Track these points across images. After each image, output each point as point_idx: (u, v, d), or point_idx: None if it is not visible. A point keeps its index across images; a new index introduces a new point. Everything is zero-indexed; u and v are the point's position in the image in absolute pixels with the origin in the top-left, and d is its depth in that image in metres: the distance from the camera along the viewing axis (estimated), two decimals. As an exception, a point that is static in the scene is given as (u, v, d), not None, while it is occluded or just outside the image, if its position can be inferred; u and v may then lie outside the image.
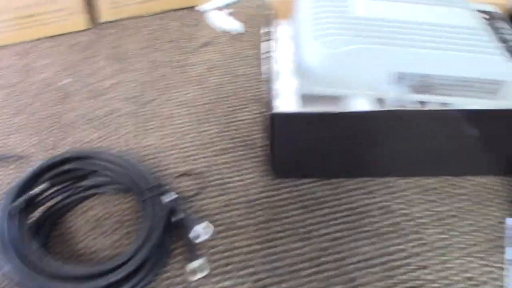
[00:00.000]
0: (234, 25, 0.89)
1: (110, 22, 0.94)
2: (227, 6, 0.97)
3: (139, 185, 0.56)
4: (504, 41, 0.61)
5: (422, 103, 0.59)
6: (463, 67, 0.56)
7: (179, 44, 0.87)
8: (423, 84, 0.57)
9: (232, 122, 0.70)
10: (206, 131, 0.69)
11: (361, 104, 0.58)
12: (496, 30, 0.64)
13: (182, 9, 0.97)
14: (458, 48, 0.55)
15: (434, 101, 0.59)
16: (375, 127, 0.56)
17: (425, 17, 0.60)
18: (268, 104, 0.55)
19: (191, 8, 0.97)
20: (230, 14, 0.94)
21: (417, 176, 0.62)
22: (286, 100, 0.58)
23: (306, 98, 0.59)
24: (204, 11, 0.97)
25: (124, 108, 0.73)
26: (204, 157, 0.64)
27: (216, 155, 0.65)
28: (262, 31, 0.71)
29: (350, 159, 0.61)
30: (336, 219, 0.57)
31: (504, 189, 0.60)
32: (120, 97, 0.75)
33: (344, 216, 0.57)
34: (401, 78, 0.57)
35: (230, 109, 0.73)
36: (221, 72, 0.80)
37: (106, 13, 0.93)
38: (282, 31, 0.70)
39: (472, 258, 0.53)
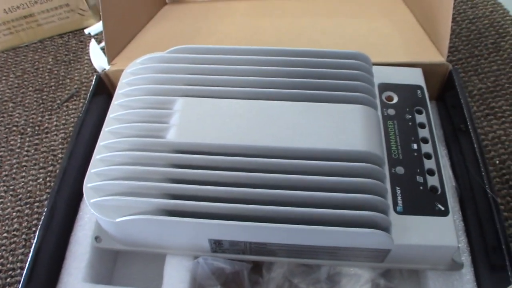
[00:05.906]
0: (105, 64, 0.67)
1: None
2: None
3: None
4: (408, 155, 0.39)
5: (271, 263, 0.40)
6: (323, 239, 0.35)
7: (43, 96, 0.68)
8: (260, 249, 0.37)
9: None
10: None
11: (173, 266, 0.39)
12: (402, 133, 0.41)
13: (67, 33, 0.77)
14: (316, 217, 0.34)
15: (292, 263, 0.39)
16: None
17: (282, 137, 0.36)
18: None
19: (79, 31, 0.77)
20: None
21: None
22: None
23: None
24: (92, 35, 0.75)
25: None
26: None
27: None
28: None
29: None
30: None
31: None
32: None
33: None
34: (218, 244, 0.37)
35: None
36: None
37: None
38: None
39: None
